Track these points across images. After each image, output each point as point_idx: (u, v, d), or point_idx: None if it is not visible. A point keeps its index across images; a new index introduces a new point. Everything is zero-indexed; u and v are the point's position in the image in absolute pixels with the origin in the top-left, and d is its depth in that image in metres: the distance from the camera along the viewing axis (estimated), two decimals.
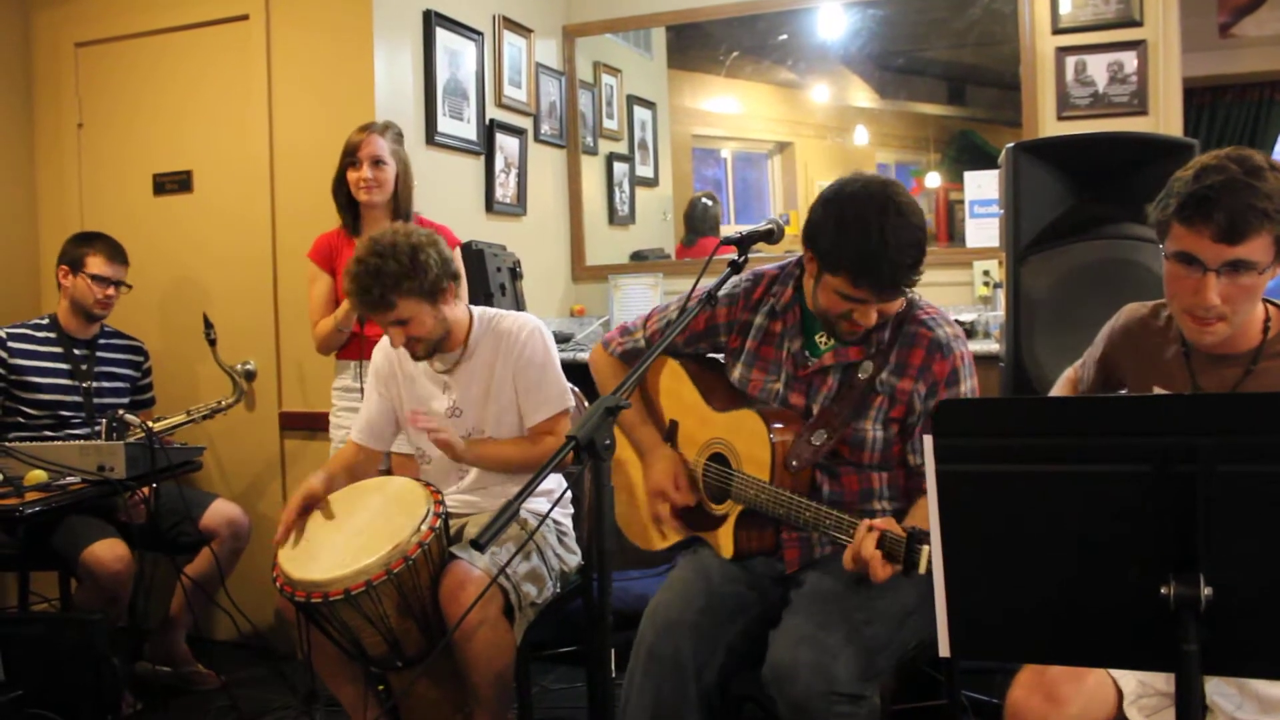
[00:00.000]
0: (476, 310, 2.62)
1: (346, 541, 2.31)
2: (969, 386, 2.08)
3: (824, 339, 2.14)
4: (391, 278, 2.34)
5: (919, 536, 1.70)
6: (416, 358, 2.52)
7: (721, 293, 2.23)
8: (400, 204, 3.18)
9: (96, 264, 3.33)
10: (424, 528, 2.27)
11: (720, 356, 2.33)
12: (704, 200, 4.88)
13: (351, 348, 3.14)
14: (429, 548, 2.27)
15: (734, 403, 2.20)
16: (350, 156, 3.11)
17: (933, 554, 1.28)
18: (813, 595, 1.99)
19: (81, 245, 3.37)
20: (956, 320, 3.87)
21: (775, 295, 2.20)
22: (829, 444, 2.04)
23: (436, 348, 2.51)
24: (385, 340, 2.62)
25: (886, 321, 2.05)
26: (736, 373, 2.23)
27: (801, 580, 2.07)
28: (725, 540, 2.14)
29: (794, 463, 2.03)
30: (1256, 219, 1.61)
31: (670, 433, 2.35)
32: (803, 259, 2.10)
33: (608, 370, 2.43)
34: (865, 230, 1.87)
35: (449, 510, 2.40)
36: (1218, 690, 1.64)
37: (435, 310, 2.44)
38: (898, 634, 1.96)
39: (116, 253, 3.39)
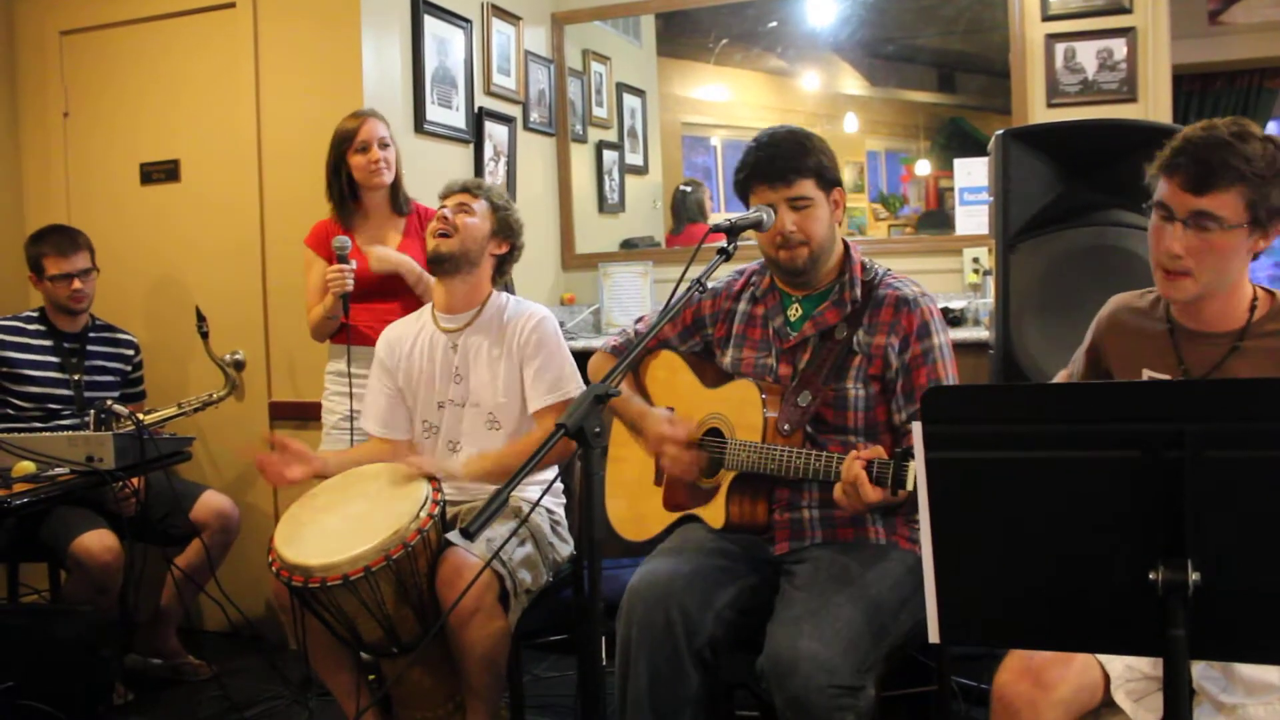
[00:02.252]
0: (496, 292, 2.72)
1: (345, 527, 2.30)
2: (941, 340, 2.13)
3: (795, 310, 2.22)
4: (495, 191, 2.73)
5: (906, 454, 1.78)
6: (443, 241, 2.60)
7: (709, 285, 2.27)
8: (398, 189, 3.17)
9: (51, 264, 3.27)
10: (423, 514, 2.27)
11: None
12: (683, 188, 4.88)
13: (343, 335, 3.11)
14: (427, 535, 2.27)
15: (729, 377, 2.27)
16: (348, 144, 3.07)
17: (922, 540, 1.29)
18: (807, 586, 1.99)
19: (35, 247, 3.31)
20: (946, 308, 3.89)
21: (755, 284, 2.31)
22: (814, 405, 2.10)
23: (460, 254, 2.61)
24: (388, 330, 2.76)
25: (855, 280, 2.16)
26: (728, 356, 2.29)
27: (793, 570, 2.08)
28: (716, 511, 2.16)
29: (785, 426, 2.09)
30: (1226, 174, 1.64)
31: None
32: None
33: (601, 366, 2.47)
34: (756, 139, 2.17)
35: (445, 497, 2.40)
36: (1204, 674, 1.65)
37: (489, 238, 2.66)
38: (893, 623, 1.97)
39: (67, 244, 3.30)
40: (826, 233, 2.14)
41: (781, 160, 2.09)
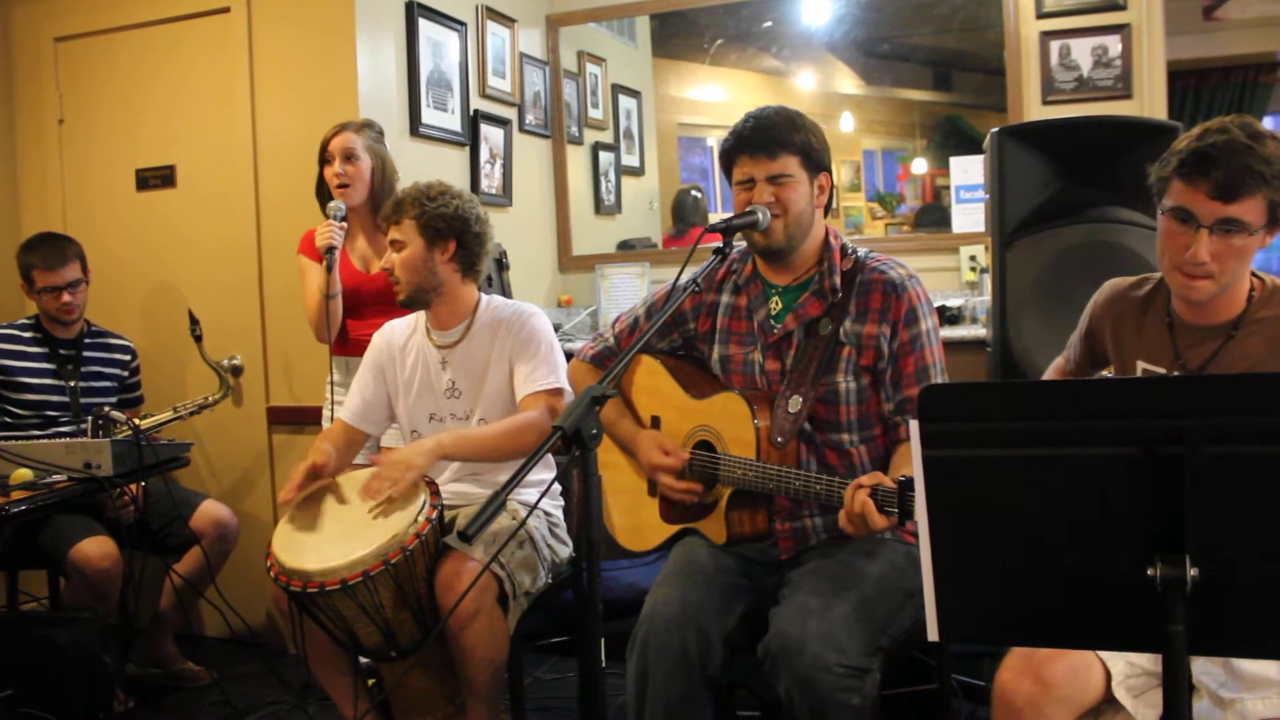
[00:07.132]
0: (485, 297, 2.65)
1: (343, 531, 2.30)
2: (928, 325, 2.10)
3: (776, 303, 2.17)
4: (411, 199, 2.53)
5: (909, 484, 1.74)
6: (396, 289, 2.54)
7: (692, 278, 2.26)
8: (379, 201, 3.11)
9: (40, 277, 3.25)
10: (420, 519, 2.26)
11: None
12: (693, 193, 4.88)
13: (339, 345, 3.11)
14: (425, 539, 2.27)
15: (713, 388, 2.22)
16: (323, 154, 3.08)
17: (920, 538, 1.29)
18: (815, 572, 2.00)
19: (25, 256, 3.28)
20: (943, 306, 3.88)
21: (736, 272, 2.25)
22: (805, 408, 2.06)
23: (416, 293, 2.54)
24: (387, 326, 2.71)
25: (834, 267, 2.12)
26: (716, 353, 2.25)
27: (801, 561, 2.08)
28: (717, 526, 2.14)
29: (779, 438, 2.04)
30: (1253, 180, 1.65)
31: (654, 429, 2.34)
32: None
33: (580, 376, 2.45)
34: (747, 113, 2.15)
35: (443, 501, 2.40)
36: (1203, 669, 1.65)
37: (429, 254, 2.51)
38: (899, 611, 1.98)
39: (55, 256, 3.25)
40: (805, 207, 2.09)
41: (771, 132, 2.07)
